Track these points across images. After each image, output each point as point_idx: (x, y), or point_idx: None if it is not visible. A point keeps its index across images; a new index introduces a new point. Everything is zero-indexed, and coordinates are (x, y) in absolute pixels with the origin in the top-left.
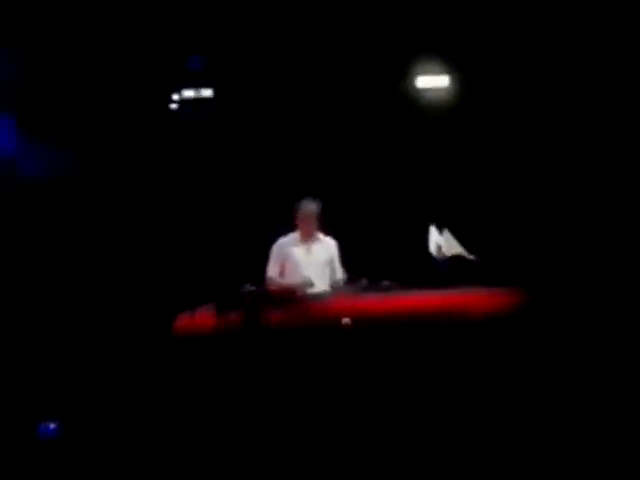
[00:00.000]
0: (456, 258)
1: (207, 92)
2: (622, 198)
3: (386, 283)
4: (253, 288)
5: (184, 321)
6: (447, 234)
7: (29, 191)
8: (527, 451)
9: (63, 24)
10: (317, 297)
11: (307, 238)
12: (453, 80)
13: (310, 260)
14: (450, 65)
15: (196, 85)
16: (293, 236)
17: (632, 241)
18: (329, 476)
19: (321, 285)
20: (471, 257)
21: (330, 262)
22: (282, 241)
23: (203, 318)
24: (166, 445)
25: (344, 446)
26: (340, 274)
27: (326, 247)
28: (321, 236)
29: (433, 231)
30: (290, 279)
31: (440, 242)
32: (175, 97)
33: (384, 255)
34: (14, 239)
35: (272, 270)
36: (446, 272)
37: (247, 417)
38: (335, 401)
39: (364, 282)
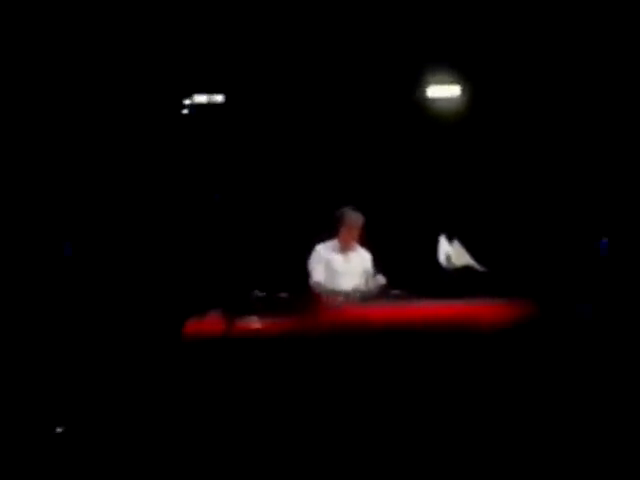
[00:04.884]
0: (465, 268)
1: (219, 97)
2: (630, 211)
3: (395, 292)
4: (262, 294)
5: (193, 325)
6: (457, 244)
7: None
8: (534, 459)
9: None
10: (328, 304)
11: (347, 247)
12: (464, 90)
13: (349, 269)
14: (461, 75)
15: (208, 90)
16: (332, 243)
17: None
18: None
19: None
20: (480, 268)
21: (365, 273)
22: (323, 246)
23: (210, 323)
24: (172, 446)
25: (350, 454)
26: (378, 282)
27: (363, 258)
28: (358, 247)
29: (443, 241)
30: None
31: (449, 252)
32: (187, 102)
33: (393, 264)
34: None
35: (318, 274)
36: (455, 282)
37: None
38: (341, 409)
39: (397, 292)
